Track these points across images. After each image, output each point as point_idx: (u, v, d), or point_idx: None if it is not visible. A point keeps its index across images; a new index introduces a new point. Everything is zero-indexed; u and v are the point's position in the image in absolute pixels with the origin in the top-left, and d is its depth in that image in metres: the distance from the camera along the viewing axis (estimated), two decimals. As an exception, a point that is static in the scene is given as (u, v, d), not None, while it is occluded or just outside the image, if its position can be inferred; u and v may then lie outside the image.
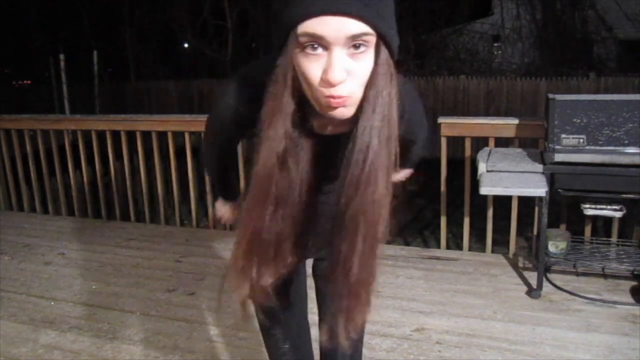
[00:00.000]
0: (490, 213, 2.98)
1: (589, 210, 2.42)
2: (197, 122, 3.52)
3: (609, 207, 2.40)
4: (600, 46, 12.46)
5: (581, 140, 2.26)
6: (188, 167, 3.62)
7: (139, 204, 4.03)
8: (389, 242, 3.31)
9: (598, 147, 2.25)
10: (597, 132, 2.25)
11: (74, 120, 4.12)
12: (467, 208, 3.03)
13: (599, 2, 12.02)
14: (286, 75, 0.78)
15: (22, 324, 2.35)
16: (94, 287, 2.74)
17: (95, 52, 10.21)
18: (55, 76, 10.15)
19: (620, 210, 2.40)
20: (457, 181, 3.15)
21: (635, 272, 2.50)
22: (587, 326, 2.16)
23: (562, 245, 2.55)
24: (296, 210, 0.89)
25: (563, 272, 2.64)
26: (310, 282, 1.32)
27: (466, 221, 3.06)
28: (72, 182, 4.04)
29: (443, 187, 3.07)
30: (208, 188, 3.62)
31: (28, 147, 4.12)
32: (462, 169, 3.03)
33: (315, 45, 0.75)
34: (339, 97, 0.77)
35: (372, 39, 0.76)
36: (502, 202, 3.04)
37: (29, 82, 15.86)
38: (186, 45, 15.37)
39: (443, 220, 3.12)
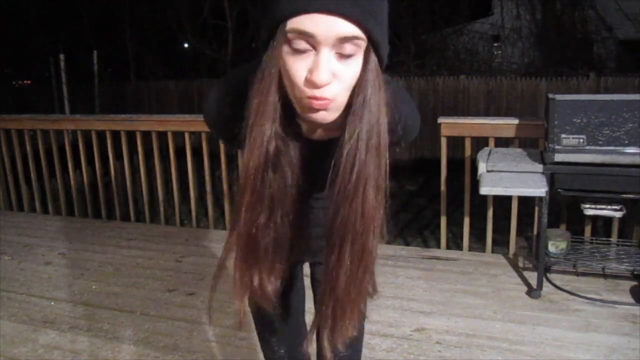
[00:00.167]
0: (490, 213, 2.98)
1: (589, 210, 2.42)
2: (197, 122, 3.52)
3: (609, 207, 2.40)
4: (600, 46, 12.46)
5: (581, 140, 2.26)
6: (188, 167, 3.62)
7: (139, 204, 4.03)
8: (389, 242, 3.32)
9: (598, 147, 2.25)
10: (597, 132, 2.25)
11: (74, 120, 4.12)
12: (467, 208, 3.03)
13: (599, 2, 12.03)
14: (272, 71, 0.75)
15: (22, 324, 2.35)
16: (94, 287, 2.74)
17: (95, 52, 10.21)
18: (55, 76, 10.14)
19: (620, 210, 2.40)
20: (457, 181, 3.15)
21: (635, 272, 2.51)
22: (587, 326, 2.16)
23: (562, 245, 2.55)
24: (291, 213, 0.87)
25: (563, 272, 2.64)
26: (307, 283, 1.32)
27: (466, 221, 3.06)
28: (72, 182, 4.04)
29: (443, 187, 3.07)
30: (208, 188, 3.62)
31: (28, 147, 4.12)
32: (462, 169, 3.03)
33: (304, 43, 0.72)
34: (322, 98, 0.74)
35: (363, 44, 0.73)
36: (502, 202, 3.04)
37: (29, 82, 15.85)
38: (186, 45, 15.37)
39: (443, 220, 3.12)
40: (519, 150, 2.68)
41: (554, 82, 8.56)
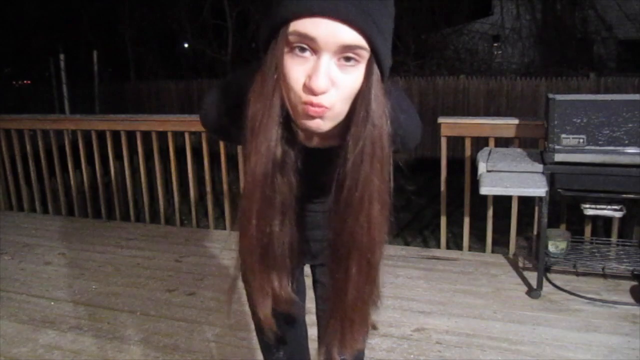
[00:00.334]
0: (490, 213, 2.98)
1: (589, 210, 2.42)
2: (197, 122, 3.49)
3: (609, 207, 2.40)
4: (600, 46, 12.48)
5: (581, 140, 2.26)
6: (188, 167, 3.62)
7: (139, 204, 4.03)
8: (389, 242, 3.31)
9: (598, 147, 2.25)
10: (597, 132, 2.25)
11: (74, 120, 4.12)
12: (467, 208, 3.03)
13: (599, 2, 12.03)
14: (275, 74, 0.73)
15: (22, 324, 2.35)
16: (94, 287, 2.74)
17: (95, 52, 10.21)
18: (55, 76, 10.14)
19: (620, 210, 2.40)
20: (457, 181, 3.15)
21: (635, 272, 2.51)
22: (587, 326, 2.16)
23: (562, 245, 2.55)
24: (296, 216, 0.87)
25: (563, 272, 2.64)
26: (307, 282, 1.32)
27: (466, 221, 3.06)
28: (72, 182, 4.04)
29: (443, 187, 3.07)
30: (208, 188, 3.62)
31: (28, 147, 4.12)
32: (462, 169, 3.03)
33: (305, 47, 0.70)
34: (318, 105, 0.72)
35: (365, 54, 0.71)
36: (502, 202, 3.04)
37: (29, 82, 15.85)
38: (186, 45, 15.37)
39: (443, 220, 3.12)
40: (519, 150, 2.68)
41: (554, 82, 8.55)
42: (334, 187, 0.79)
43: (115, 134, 3.78)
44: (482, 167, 2.44)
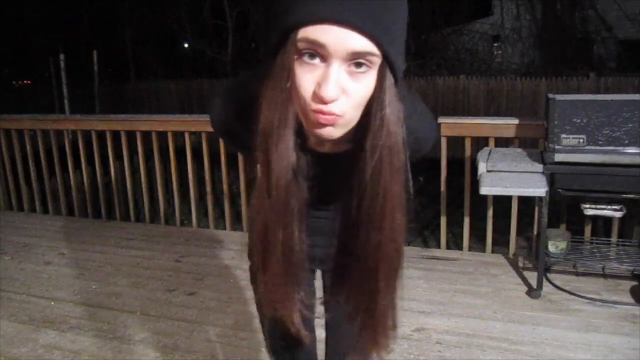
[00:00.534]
0: (490, 213, 2.98)
1: (589, 210, 2.42)
2: (197, 122, 3.52)
3: (609, 207, 2.40)
4: (600, 46, 12.48)
5: (581, 140, 2.26)
6: (188, 167, 3.62)
7: (139, 204, 4.03)
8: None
9: (598, 147, 2.25)
10: (597, 132, 2.25)
11: (74, 120, 4.12)
12: (467, 208, 3.03)
13: (599, 2, 12.03)
14: (287, 81, 0.72)
15: (22, 324, 2.35)
16: (94, 287, 2.74)
17: (95, 52, 10.22)
18: (55, 76, 10.15)
19: (620, 210, 2.40)
20: (457, 181, 3.15)
21: (635, 272, 2.50)
22: (587, 326, 2.16)
23: (562, 245, 2.55)
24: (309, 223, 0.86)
25: (563, 272, 2.64)
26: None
27: (466, 221, 3.06)
28: (72, 182, 4.04)
29: (443, 187, 3.07)
30: (208, 188, 3.62)
31: (28, 147, 4.12)
32: (462, 169, 3.03)
33: (313, 54, 0.69)
34: (329, 113, 0.70)
35: (377, 60, 0.70)
36: (502, 202, 3.04)
37: (29, 82, 15.85)
38: (186, 45, 15.37)
39: (443, 220, 3.12)
40: (519, 150, 2.68)
41: (554, 82, 8.56)
42: (354, 199, 0.78)
43: (115, 134, 3.78)
44: (482, 167, 2.44)
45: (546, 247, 2.50)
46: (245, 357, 2.05)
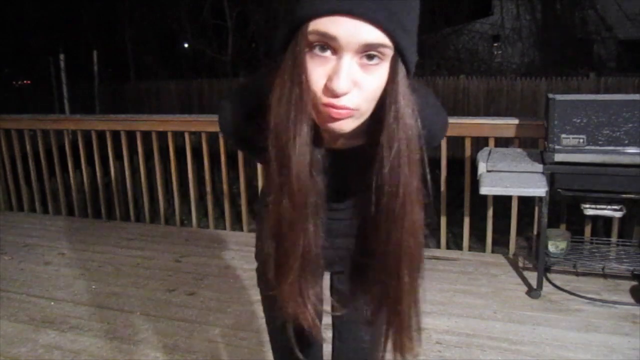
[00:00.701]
0: (490, 213, 2.98)
1: (589, 210, 2.42)
2: (197, 122, 3.52)
3: (609, 207, 2.40)
4: (600, 46, 12.49)
5: (581, 140, 2.26)
6: (188, 167, 3.62)
7: (139, 204, 4.03)
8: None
9: (598, 147, 2.25)
10: (597, 132, 2.25)
11: (74, 120, 4.12)
12: (467, 208, 3.03)
13: (599, 2, 12.04)
14: (300, 75, 0.70)
15: (22, 324, 2.35)
16: (94, 287, 2.74)
17: (95, 52, 10.22)
18: (55, 76, 10.15)
19: (620, 210, 2.40)
20: (457, 181, 3.15)
21: (635, 272, 2.50)
22: (587, 326, 2.17)
23: (562, 245, 2.55)
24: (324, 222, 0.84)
25: (563, 272, 2.64)
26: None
27: (466, 221, 3.06)
28: (72, 182, 4.05)
29: (443, 187, 3.07)
30: (208, 188, 3.62)
31: (28, 147, 4.12)
32: (462, 169, 3.03)
33: (325, 47, 0.68)
34: (341, 107, 0.69)
35: (389, 52, 0.68)
36: (502, 202, 3.04)
37: (29, 82, 15.86)
38: (186, 45, 15.38)
39: (443, 220, 3.12)
40: (519, 150, 2.68)
41: (554, 82, 8.56)
42: (372, 197, 0.77)
43: (115, 134, 3.78)
44: (482, 167, 2.44)
45: (546, 247, 2.50)
46: (245, 357, 2.05)
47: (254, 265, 1.16)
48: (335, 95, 0.69)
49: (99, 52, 10.39)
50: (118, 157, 3.87)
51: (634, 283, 2.49)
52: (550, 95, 2.32)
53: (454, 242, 3.76)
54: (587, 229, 2.82)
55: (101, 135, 3.85)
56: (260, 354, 2.05)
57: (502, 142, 2.96)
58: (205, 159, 3.52)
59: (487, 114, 8.53)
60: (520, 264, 2.81)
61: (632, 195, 2.29)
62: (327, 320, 1.09)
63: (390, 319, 0.85)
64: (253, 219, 3.69)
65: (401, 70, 0.70)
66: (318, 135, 0.78)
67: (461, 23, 12.75)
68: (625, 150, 2.22)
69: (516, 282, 2.62)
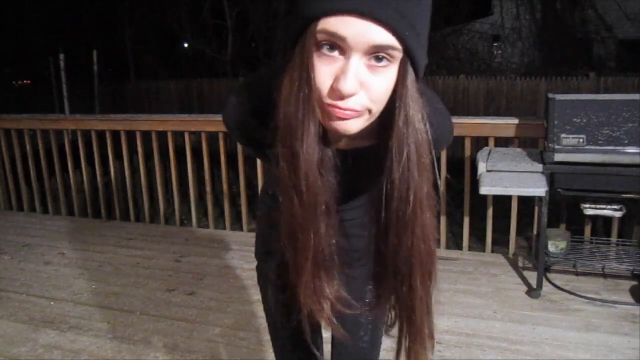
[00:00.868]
0: (490, 213, 2.98)
1: (589, 210, 2.42)
2: (197, 122, 3.52)
3: (609, 207, 2.40)
4: (600, 46, 12.49)
5: (581, 140, 2.26)
6: (188, 167, 3.62)
7: (139, 204, 4.03)
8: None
9: (598, 147, 2.25)
10: (597, 132, 2.25)
11: (74, 120, 4.12)
12: (467, 208, 3.03)
13: (599, 2, 12.04)
14: (309, 74, 0.69)
15: (22, 324, 2.35)
16: (94, 287, 2.74)
17: (95, 52, 10.22)
18: (55, 76, 10.15)
19: (620, 210, 2.40)
20: (457, 181, 3.15)
21: (635, 272, 2.50)
22: (587, 326, 2.17)
23: (562, 245, 2.55)
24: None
25: (563, 272, 2.64)
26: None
27: (466, 221, 3.06)
28: (72, 182, 4.04)
29: (443, 187, 3.07)
30: (208, 188, 3.62)
31: (28, 147, 4.12)
32: (462, 169, 3.03)
33: (333, 47, 0.67)
34: (348, 109, 0.69)
35: (398, 55, 0.68)
36: (502, 202, 3.04)
37: (29, 82, 15.86)
38: (186, 45, 15.38)
39: (443, 220, 3.12)
40: (519, 150, 2.68)
41: (554, 82, 8.56)
42: (382, 201, 0.76)
43: (115, 134, 3.78)
44: (482, 167, 2.44)
45: (546, 247, 2.50)
46: (245, 357, 2.05)
47: (254, 265, 1.16)
48: (342, 96, 0.68)
49: (99, 52, 10.38)
50: (118, 157, 3.87)
51: (634, 283, 2.49)
52: (550, 95, 2.32)
53: (454, 242, 3.76)
54: (587, 229, 2.82)
55: (101, 135, 3.85)
56: (260, 354, 2.05)
57: (502, 142, 2.96)
58: (205, 159, 3.52)
59: (487, 114, 8.53)
60: (520, 264, 2.81)
61: (632, 195, 2.29)
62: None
63: (405, 328, 0.84)
64: (253, 219, 3.69)
65: (410, 73, 0.70)
66: (327, 135, 0.77)
67: (461, 23, 12.74)
68: (625, 150, 2.22)
69: (516, 282, 2.62)
